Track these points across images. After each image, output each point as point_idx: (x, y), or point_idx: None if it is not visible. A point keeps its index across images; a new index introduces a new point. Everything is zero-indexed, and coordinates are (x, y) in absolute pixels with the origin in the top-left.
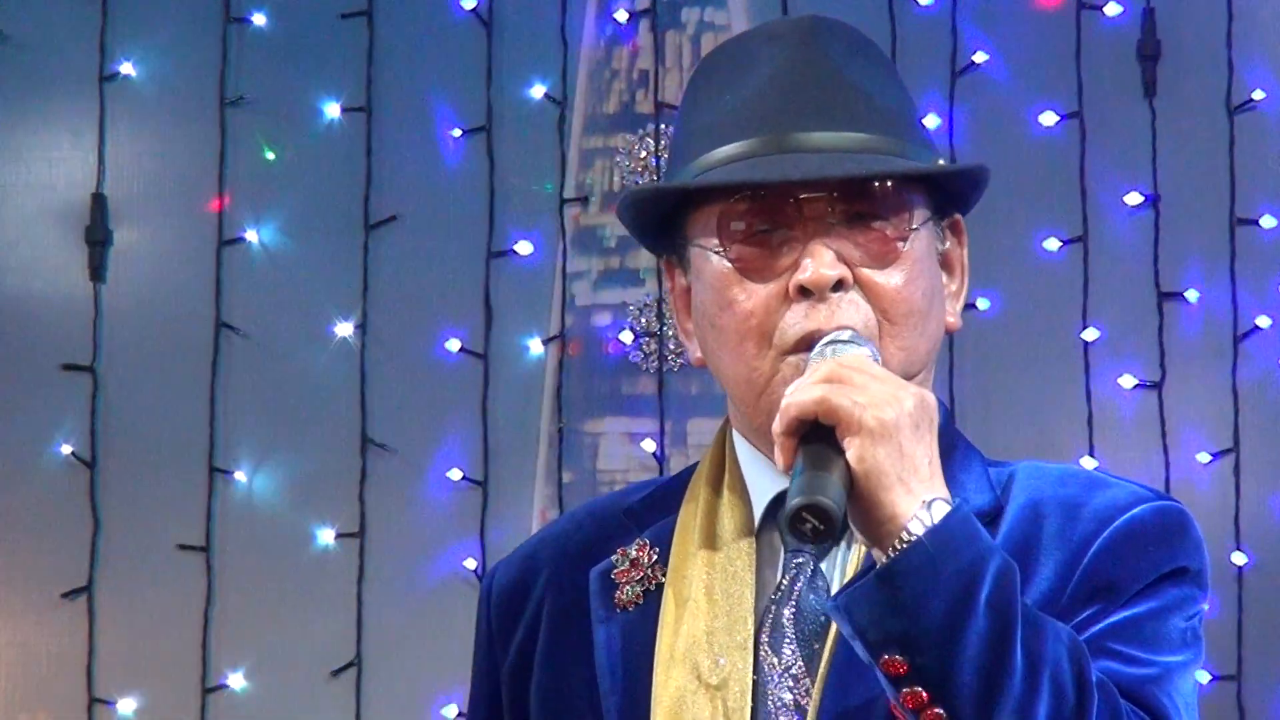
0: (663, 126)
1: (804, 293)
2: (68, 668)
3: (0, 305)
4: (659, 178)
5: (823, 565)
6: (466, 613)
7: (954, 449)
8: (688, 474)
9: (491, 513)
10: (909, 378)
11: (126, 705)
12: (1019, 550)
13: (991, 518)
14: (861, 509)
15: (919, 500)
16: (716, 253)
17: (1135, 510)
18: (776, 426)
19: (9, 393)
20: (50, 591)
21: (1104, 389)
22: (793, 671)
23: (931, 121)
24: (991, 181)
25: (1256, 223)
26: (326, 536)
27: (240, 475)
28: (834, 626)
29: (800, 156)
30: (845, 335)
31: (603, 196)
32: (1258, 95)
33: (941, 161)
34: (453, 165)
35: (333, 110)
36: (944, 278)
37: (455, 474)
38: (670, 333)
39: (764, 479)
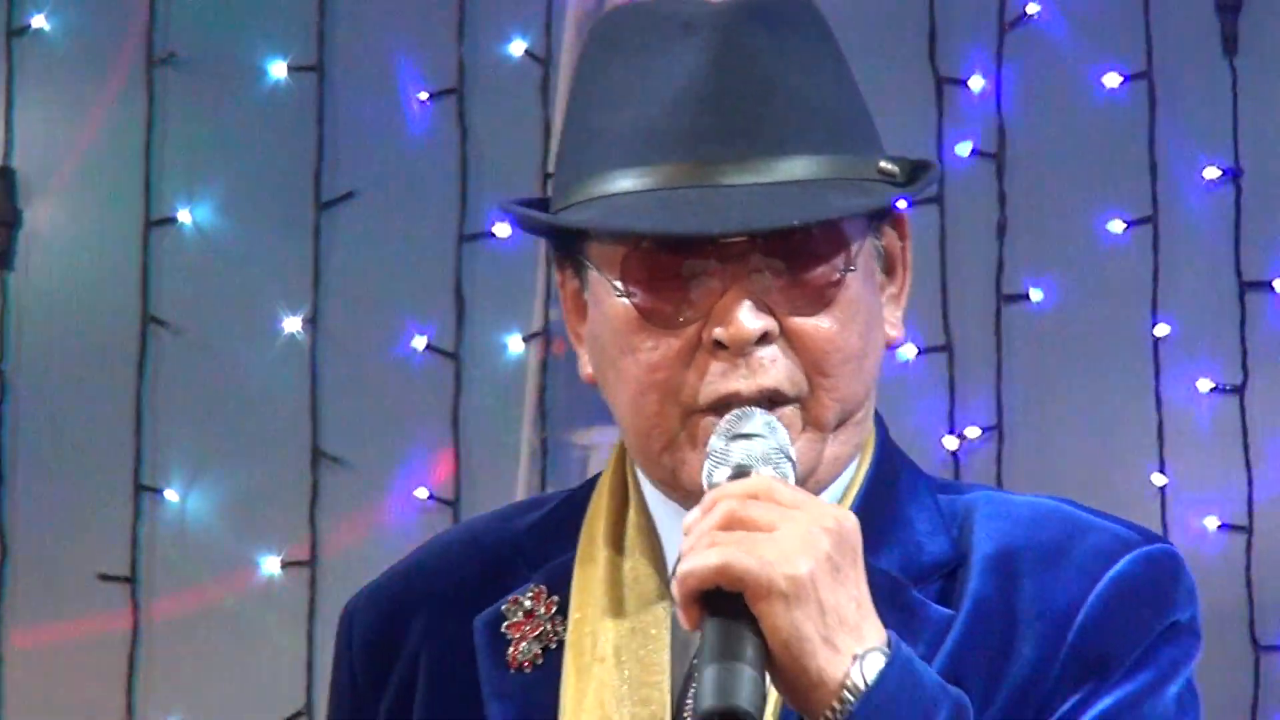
0: None
1: (721, 346)
2: None
3: None
4: None
5: None
6: None
7: (898, 477)
8: (581, 497)
9: None
10: (846, 421)
11: None
12: (994, 617)
13: (951, 569)
14: (784, 677)
15: (848, 657)
16: (618, 293)
17: (1121, 564)
18: (677, 595)
19: None
20: None
21: (1177, 393)
22: None
23: (976, 83)
24: (1047, 154)
25: None
26: (272, 565)
27: (171, 494)
28: (770, 700)
29: (721, 194)
30: (755, 424)
31: None
32: None
33: (885, 165)
34: (418, 134)
35: (279, 70)
36: (881, 279)
37: (422, 493)
38: None
39: (676, 523)
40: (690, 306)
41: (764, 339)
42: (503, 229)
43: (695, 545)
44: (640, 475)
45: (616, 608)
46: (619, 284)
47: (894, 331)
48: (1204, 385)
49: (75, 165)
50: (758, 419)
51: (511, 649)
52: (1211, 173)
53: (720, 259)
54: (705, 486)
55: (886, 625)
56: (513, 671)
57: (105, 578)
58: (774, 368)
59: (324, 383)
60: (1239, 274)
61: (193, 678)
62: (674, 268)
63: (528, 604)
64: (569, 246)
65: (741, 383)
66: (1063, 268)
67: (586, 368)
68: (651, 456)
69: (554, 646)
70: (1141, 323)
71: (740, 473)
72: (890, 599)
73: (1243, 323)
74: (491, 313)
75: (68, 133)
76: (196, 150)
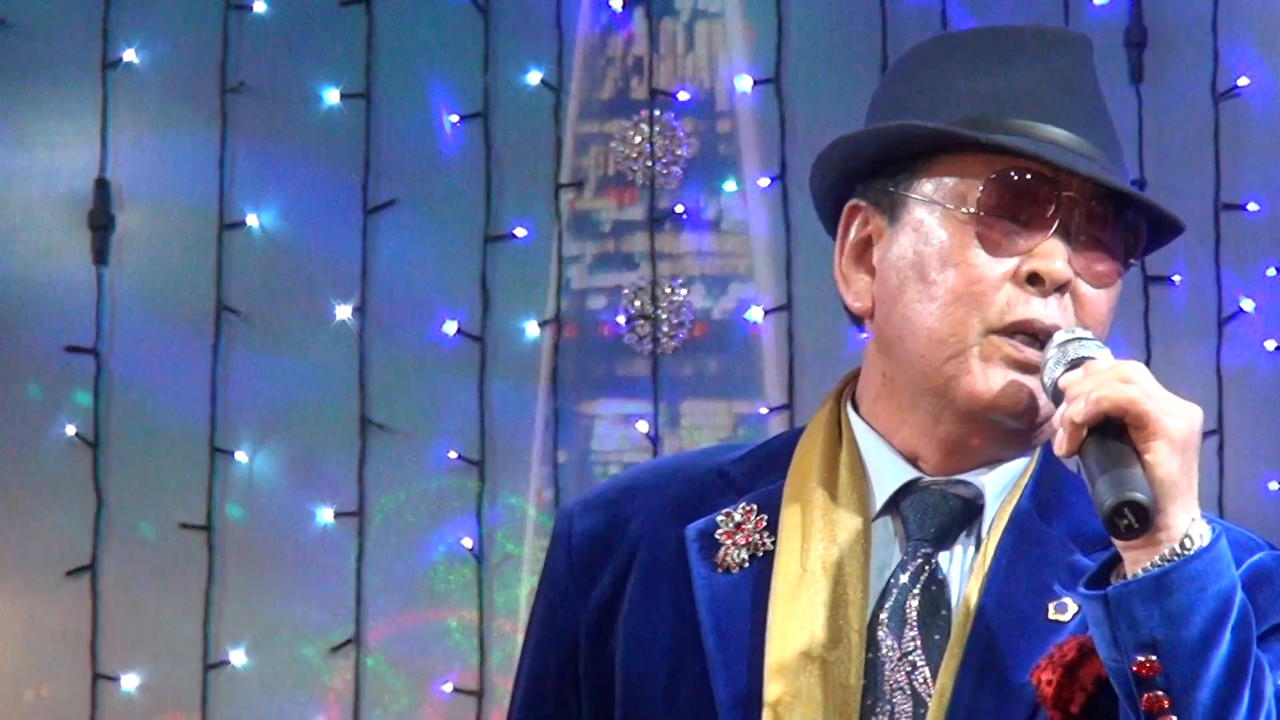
0: (656, 113)
1: (1032, 281)
2: (72, 644)
3: (5, 288)
4: (653, 164)
5: (940, 560)
6: (463, 590)
7: (1060, 466)
8: (781, 442)
9: (488, 492)
10: None
11: (130, 681)
12: None
13: (1109, 544)
14: None
15: (1189, 517)
16: (966, 212)
17: (1260, 556)
18: (1077, 415)
19: (14, 374)
20: (54, 570)
21: None
22: (911, 658)
23: None
24: None
25: (1242, 208)
26: (326, 515)
27: (241, 455)
28: (961, 620)
29: (1079, 159)
30: (1088, 334)
31: (597, 181)
32: (1243, 82)
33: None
34: (450, 150)
35: (332, 96)
36: None
37: (452, 454)
38: (664, 315)
39: (886, 464)
40: (1019, 241)
41: (1063, 288)
42: (521, 231)
43: (1100, 384)
44: (855, 424)
45: (824, 529)
46: (969, 206)
47: None
48: None
49: (160, 178)
50: (1090, 337)
51: (721, 552)
52: None
53: (1055, 209)
54: (1044, 384)
55: (1060, 582)
56: (720, 572)
57: (185, 526)
58: (1066, 313)
59: (370, 361)
60: (1143, 269)
61: (259, 610)
62: (1019, 205)
63: (738, 517)
64: (877, 182)
65: (1041, 311)
66: None
67: (857, 301)
68: (936, 363)
69: (760, 555)
70: None
71: (1080, 363)
72: (1062, 558)
73: (1146, 311)
74: (512, 302)
75: (154, 150)
76: (262, 165)
